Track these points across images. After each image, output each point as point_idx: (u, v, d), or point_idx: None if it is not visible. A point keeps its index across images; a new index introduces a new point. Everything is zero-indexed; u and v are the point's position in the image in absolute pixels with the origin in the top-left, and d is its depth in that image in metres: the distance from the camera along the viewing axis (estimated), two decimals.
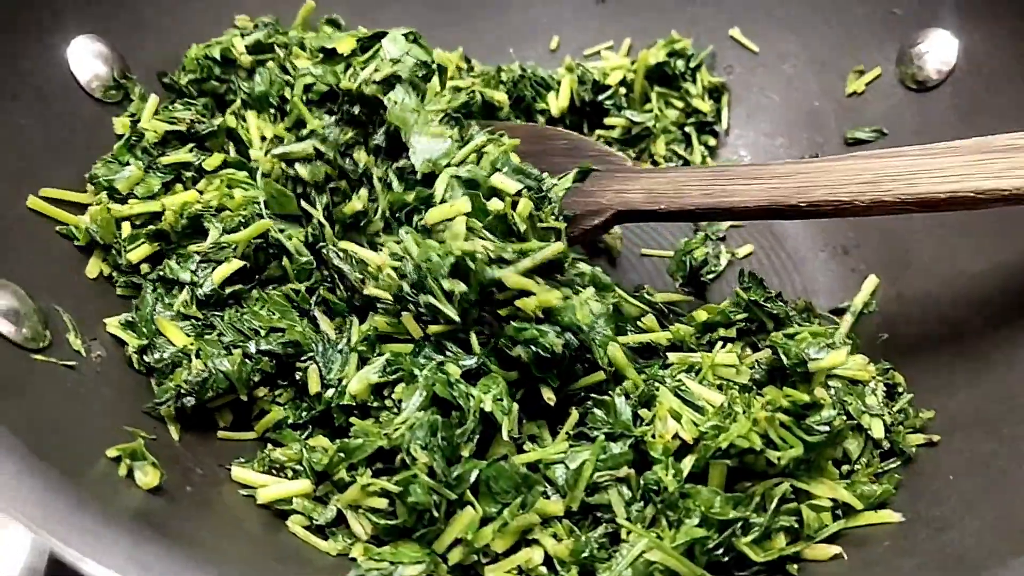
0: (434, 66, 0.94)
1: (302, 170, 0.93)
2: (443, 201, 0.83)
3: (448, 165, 0.87)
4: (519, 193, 0.83)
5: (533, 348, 0.77)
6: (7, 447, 0.52)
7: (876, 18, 1.12)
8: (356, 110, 0.92)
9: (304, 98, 0.96)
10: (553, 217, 0.86)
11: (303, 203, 0.93)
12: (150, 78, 1.02)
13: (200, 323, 0.85)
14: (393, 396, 0.78)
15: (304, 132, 0.94)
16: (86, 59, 0.96)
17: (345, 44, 0.95)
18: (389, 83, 0.91)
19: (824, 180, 0.84)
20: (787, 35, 1.19)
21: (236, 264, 0.87)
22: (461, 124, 0.92)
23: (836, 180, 0.83)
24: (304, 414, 0.83)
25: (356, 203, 0.91)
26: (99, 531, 0.47)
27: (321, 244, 0.91)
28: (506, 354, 0.79)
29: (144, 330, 0.82)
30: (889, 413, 0.82)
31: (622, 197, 0.92)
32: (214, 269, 0.87)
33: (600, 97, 1.17)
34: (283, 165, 0.94)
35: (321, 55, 0.97)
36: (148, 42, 1.03)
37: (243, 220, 0.89)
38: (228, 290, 0.87)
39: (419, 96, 0.92)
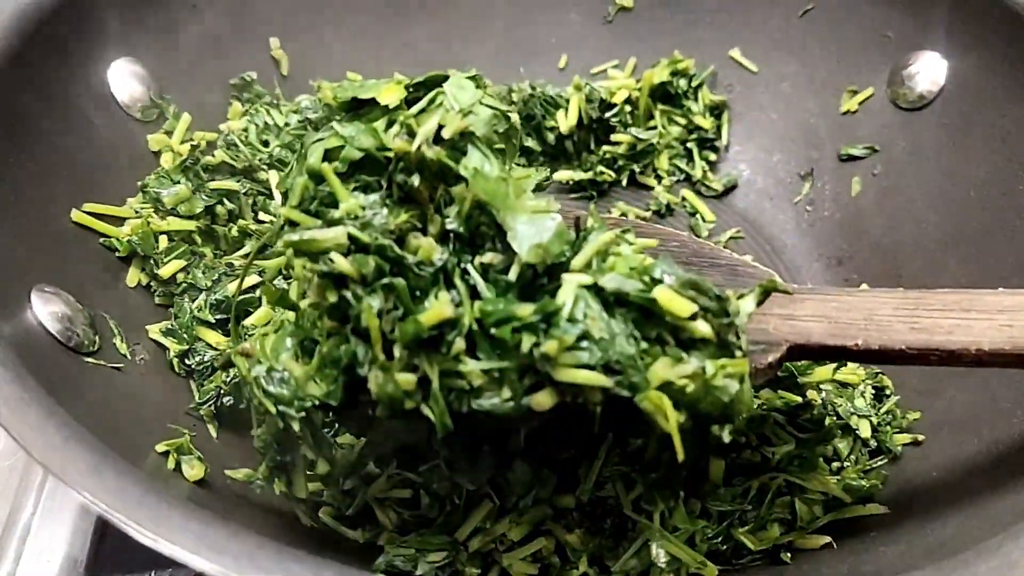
0: (514, 120, 0.69)
1: (341, 262, 0.59)
2: (571, 320, 0.57)
3: (565, 268, 0.61)
4: (694, 316, 0.59)
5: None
6: (84, 441, 0.58)
7: (869, 41, 1.18)
8: (416, 181, 0.63)
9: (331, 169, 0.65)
10: (740, 352, 0.61)
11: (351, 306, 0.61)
12: (183, 97, 1.08)
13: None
14: None
15: (336, 215, 0.62)
16: (125, 80, 1.02)
17: (390, 93, 0.68)
18: (458, 144, 0.64)
19: None
20: (785, 56, 1.25)
21: (252, 280, 0.93)
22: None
23: None
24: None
25: (442, 309, 0.58)
26: (169, 515, 0.53)
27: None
28: None
29: (184, 336, 0.88)
30: (876, 414, 0.88)
31: (793, 326, 0.71)
32: (233, 280, 0.93)
33: (607, 115, 1.23)
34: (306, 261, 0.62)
35: (349, 110, 0.71)
36: (181, 64, 1.09)
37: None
38: (239, 298, 0.91)
39: (501, 160, 0.66)
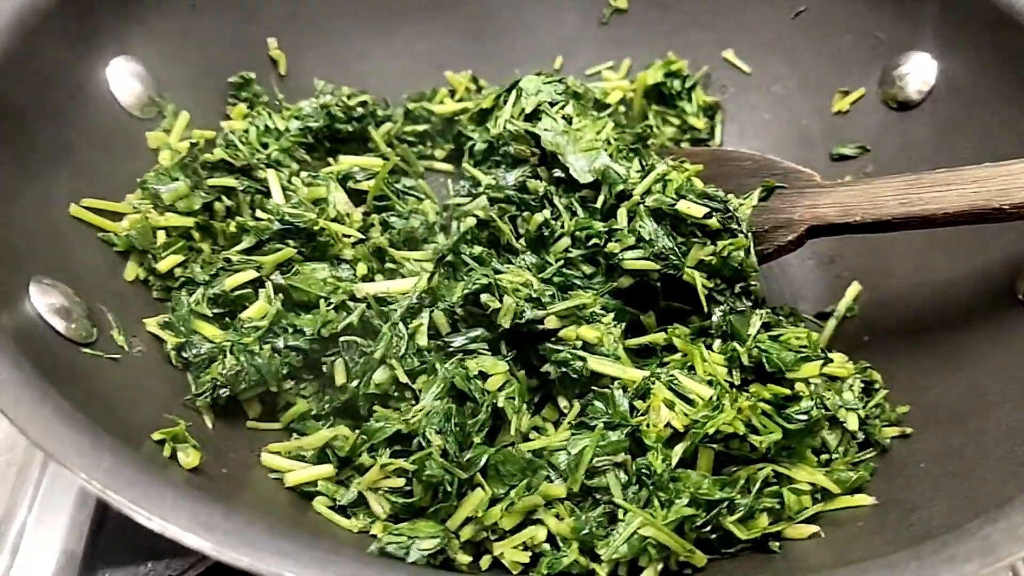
0: (572, 90, 1.04)
1: (480, 213, 0.98)
2: (632, 233, 0.91)
3: (629, 195, 0.93)
4: (707, 216, 0.90)
5: (564, 369, 0.86)
6: (80, 425, 0.59)
7: (861, 42, 1.19)
8: (512, 149, 0.99)
9: (471, 162, 1.06)
10: (741, 235, 0.92)
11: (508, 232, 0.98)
12: (181, 96, 1.09)
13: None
14: (414, 387, 0.85)
15: (478, 190, 1.00)
16: (124, 79, 1.03)
17: (488, 99, 1.10)
18: (536, 115, 1.01)
19: None
20: (778, 57, 1.26)
21: (250, 275, 0.93)
22: (641, 154, 1.00)
23: None
24: (326, 406, 0.90)
25: (538, 216, 0.95)
26: (162, 494, 0.54)
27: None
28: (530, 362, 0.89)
29: (181, 328, 0.89)
30: (864, 408, 0.89)
31: (814, 211, 0.95)
32: (230, 275, 0.93)
33: (601, 115, 1.24)
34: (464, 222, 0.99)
35: (477, 119, 1.11)
36: (179, 62, 1.10)
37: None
38: (235, 294, 0.93)
39: (567, 121, 1.00)
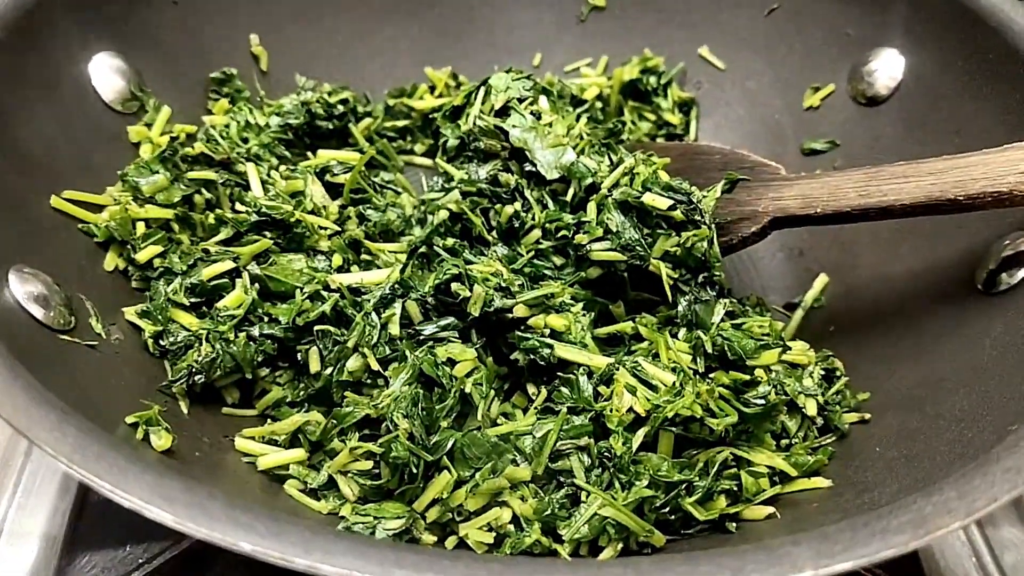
0: (540, 87, 1.07)
1: (453, 207, 1.02)
2: (600, 225, 0.94)
3: (598, 188, 0.96)
4: (671, 208, 0.93)
5: (531, 356, 0.88)
6: (48, 402, 0.61)
7: (831, 39, 1.22)
8: (482, 144, 1.02)
9: (444, 158, 1.08)
10: (704, 226, 0.95)
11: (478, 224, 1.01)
12: (163, 90, 1.11)
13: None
14: (386, 374, 0.87)
15: (451, 185, 1.04)
16: (106, 74, 1.05)
17: (460, 97, 1.10)
18: (506, 111, 1.03)
19: (982, 172, 0.86)
20: (751, 54, 1.29)
21: (227, 265, 0.95)
22: (611, 148, 1.03)
23: (994, 172, 0.85)
24: (301, 393, 0.92)
25: (509, 209, 0.99)
26: (127, 469, 0.56)
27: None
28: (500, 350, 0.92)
29: (159, 317, 0.92)
30: (824, 394, 0.91)
31: (777, 203, 0.98)
32: (208, 265, 0.95)
33: (578, 111, 1.26)
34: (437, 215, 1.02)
35: (450, 116, 1.11)
36: (161, 58, 1.12)
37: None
38: (212, 283, 0.95)
39: (535, 117, 1.02)
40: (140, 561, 0.92)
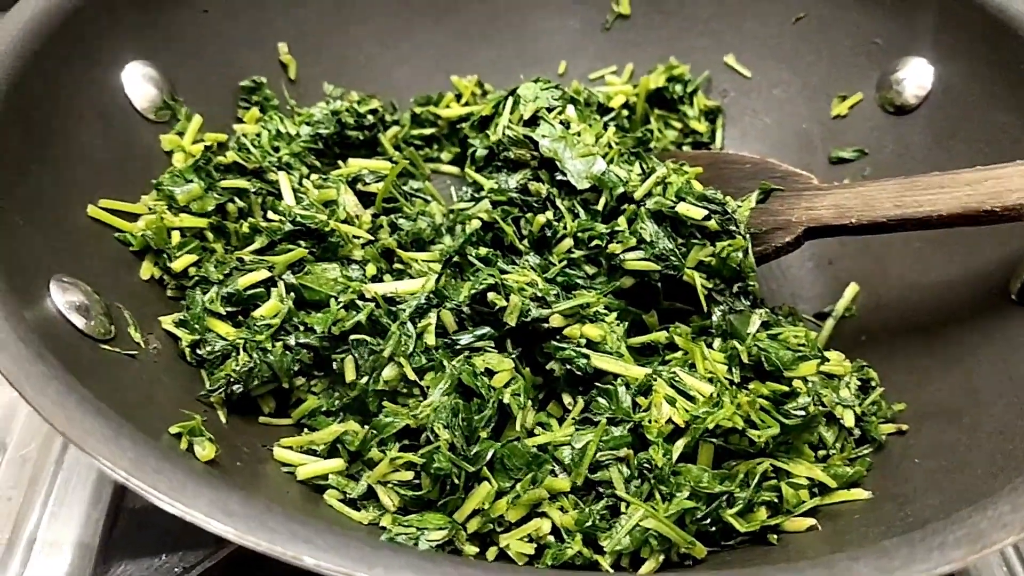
0: (568, 96, 1.08)
1: (485, 216, 1.02)
2: (633, 235, 0.95)
3: (630, 197, 0.97)
4: (706, 218, 0.94)
5: (568, 367, 0.88)
6: (102, 414, 0.62)
7: (859, 47, 1.22)
8: (512, 154, 1.03)
9: (473, 168, 1.10)
10: (739, 236, 0.96)
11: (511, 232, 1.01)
12: (194, 99, 1.12)
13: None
14: (422, 383, 0.87)
15: (481, 194, 1.04)
16: (139, 83, 1.05)
17: (487, 107, 1.14)
18: (535, 121, 1.04)
19: (1018, 184, 0.86)
20: (778, 62, 1.29)
21: (263, 274, 0.96)
22: (642, 157, 1.03)
23: None
24: (337, 402, 0.92)
25: (541, 218, 0.99)
26: (185, 483, 0.57)
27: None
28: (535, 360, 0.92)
29: (196, 326, 0.92)
30: (861, 405, 0.91)
31: (811, 214, 0.98)
32: (244, 275, 0.96)
33: (604, 119, 1.27)
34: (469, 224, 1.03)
35: (478, 126, 1.15)
36: (192, 67, 1.13)
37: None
38: (248, 293, 0.95)
39: (565, 126, 1.03)
40: (177, 570, 0.92)
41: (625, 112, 1.29)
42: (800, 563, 0.55)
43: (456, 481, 0.79)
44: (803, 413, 0.83)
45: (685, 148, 1.30)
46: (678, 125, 1.31)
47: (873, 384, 0.96)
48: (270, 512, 0.55)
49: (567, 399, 0.91)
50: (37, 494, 0.99)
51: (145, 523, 0.97)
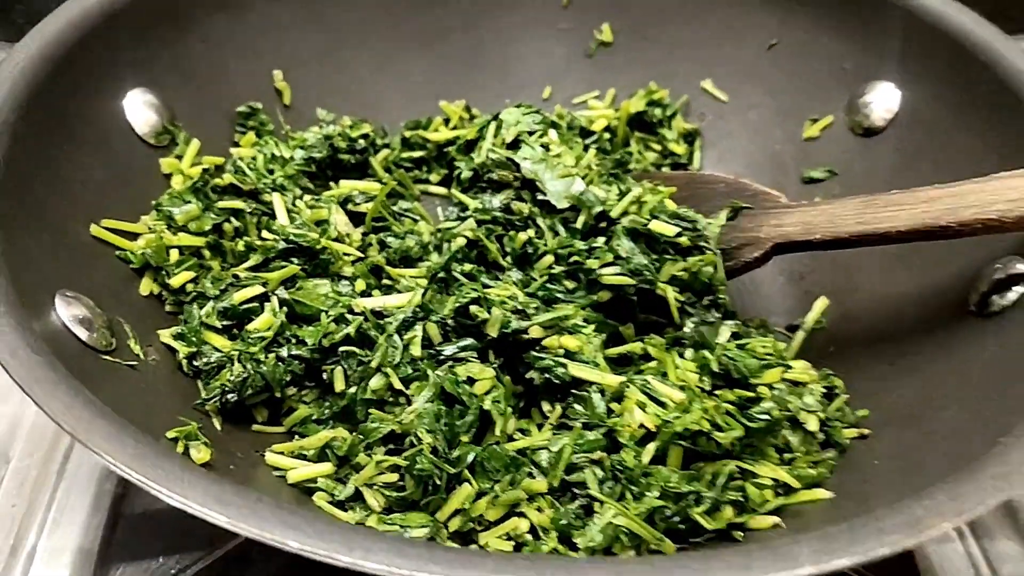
0: (549, 120, 1.15)
1: (469, 234, 1.07)
2: (610, 251, 1.00)
3: (607, 216, 1.02)
4: (678, 235, 0.99)
5: (547, 375, 0.93)
6: (106, 415, 0.66)
7: (829, 72, 1.26)
8: (495, 175, 1.10)
9: (459, 188, 1.16)
10: (709, 251, 1.01)
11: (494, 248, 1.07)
12: (193, 124, 1.17)
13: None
14: (408, 392, 0.91)
15: (466, 214, 1.10)
16: (139, 109, 1.10)
17: (472, 131, 1.20)
18: (517, 144, 1.11)
19: (972, 200, 0.89)
20: (753, 87, 1.34)
21: (257, 290, 1.00)
22: (619, 178, 1.10)
23: (983, 200, 0.89)
24: (327, 411, 0.96)
25: (523, 236, 1.04)
26: (181, 476, 0.61)
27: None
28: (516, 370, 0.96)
29: (193, 339, 0.96)
30: (825, 411, 0.96)
31: (779, 230, 1.03)
32: (239, 290, 1.00)
33: (587, 142, 1.32)
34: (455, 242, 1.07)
35: (463, 149, 1.21)
36: (191, 94, 1.18)
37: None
38: (243, 307, 0.99)
39: (545, 148, 1.10)
40: (173, 572, 0.97)
41: (607, 135, 1.34)
42: (748, 546, 0.60)
43: (438, 482, 0.83)
44: (767, 417, 0.87)
45: (664, 169, 1.35)
46: (658, 147, 1.36)
47: (838, 391, 1.01)
48: (260, 502, 0.60)
49: (546, 407, 0.95)
50: (39, 504, 1.03)
51: (143, 528, 1.01)
